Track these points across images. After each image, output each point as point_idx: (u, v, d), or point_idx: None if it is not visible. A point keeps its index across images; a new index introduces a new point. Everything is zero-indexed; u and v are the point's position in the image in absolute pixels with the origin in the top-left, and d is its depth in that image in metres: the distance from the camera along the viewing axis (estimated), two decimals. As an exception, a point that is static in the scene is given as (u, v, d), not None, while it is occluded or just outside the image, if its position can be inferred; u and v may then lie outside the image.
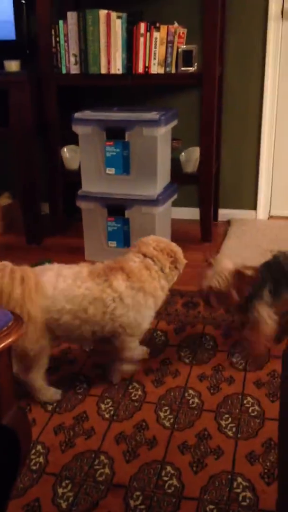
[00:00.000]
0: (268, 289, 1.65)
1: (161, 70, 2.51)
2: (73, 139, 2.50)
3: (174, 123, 2.50)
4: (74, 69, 2.58)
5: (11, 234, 2.94)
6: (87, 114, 2.38)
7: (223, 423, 1.49)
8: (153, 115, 2.29)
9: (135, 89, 2.81)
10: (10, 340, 0.89)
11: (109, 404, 1.58)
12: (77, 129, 2.38)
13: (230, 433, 1.46)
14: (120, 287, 1.54)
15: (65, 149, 2.76)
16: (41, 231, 2.80)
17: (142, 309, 1.58)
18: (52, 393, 1.61)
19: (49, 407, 1.58)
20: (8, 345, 0.89)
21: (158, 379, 1.69)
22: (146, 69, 2.51)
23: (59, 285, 1.51)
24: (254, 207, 2.99)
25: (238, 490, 1.27)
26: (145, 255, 1.62)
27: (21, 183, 2.69)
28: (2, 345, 0.88)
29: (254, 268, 1.63)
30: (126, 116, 2.31)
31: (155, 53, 2.48)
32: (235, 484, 1.29)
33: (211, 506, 1.23)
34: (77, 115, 2.38)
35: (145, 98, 2.86)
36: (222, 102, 2.77)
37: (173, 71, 2.50)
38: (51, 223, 2.87)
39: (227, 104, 2.80)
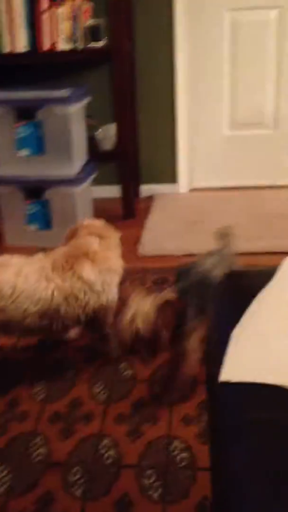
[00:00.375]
0: (194, 310, 1.40)
1: (68, 47, 2.45)
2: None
3: (87, 100, 2.47)
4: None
5: None
6: (-5, 94, 2.30)
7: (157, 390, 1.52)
8: (63, 92, 2.25)
9: (44, 67, 2.73)
10: None
11: (42, 386, 1.57)
12: (-15, 110, 2.29)
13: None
14: (90, 276, 1.50)
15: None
16: None
17: (112, 289, 1.57)
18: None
19: (-20, 397, 1.54)
20: None
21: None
22: (54, 46, 2.44)
23: (20, 285, 1.43)
24: (175, 180, 3.03)
25: (176, 452, 1.30)
26: (100, 237, 1.59)
27: None
28: None
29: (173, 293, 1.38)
30: (36, 95, 2.25)
31: (61, 29, 2.42)
32: (172, 447, 1.32)
33: (149, 471, 1.26)
34: (-16, 96, 2.29)
35: (55, 76, 2.79)
36: (134, 77, 2.77)
37: (81, 47, 2.46)
38: None
39: (140, 79, 2.79)
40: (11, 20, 2.40)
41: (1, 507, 1.19)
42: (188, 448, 1.31)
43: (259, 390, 0.82)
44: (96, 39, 2.47)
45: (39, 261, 1.51)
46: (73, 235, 1.63)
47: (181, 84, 2.81)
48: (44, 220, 2.41)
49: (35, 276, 1.46)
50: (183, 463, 1.27)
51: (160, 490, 1.21)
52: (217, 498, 0.78)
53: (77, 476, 1.26)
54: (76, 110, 2.31)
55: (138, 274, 2.13)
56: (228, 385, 0.85)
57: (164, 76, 2.81)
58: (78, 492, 1.22)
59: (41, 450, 1.34)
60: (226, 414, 0.84)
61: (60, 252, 1.55)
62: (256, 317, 1.00)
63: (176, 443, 1.33)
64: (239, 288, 1.14)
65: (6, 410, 1.48)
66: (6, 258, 1.51)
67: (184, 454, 1.30)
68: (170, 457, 1.29)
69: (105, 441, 1.36)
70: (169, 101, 2.86)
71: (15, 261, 1.50)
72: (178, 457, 1.29)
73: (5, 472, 1.28)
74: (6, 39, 2.43)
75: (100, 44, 2.47)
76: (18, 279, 1.44)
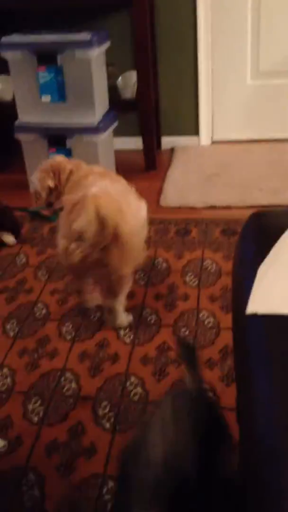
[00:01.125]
0: None
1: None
2: (2, 68, 2.37)
3: (107, 45, 2.40)
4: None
5: None
6: (15, 37, 2.24)
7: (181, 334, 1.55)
8: (84, 35, 2.19)
9: (64, 12, 2.66)
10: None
11: (70, 327, 1.61)
12: (6, 55, 2.25)
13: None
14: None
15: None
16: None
17: None
18: (128, 317, 1.61)
19: (11, 333, 1.59)
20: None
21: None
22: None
23: (126, 205, 1.44)
24: (196, 133, 2.99)
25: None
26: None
27: None
28: None
29: None
30: (56, 38, 2.19)
31: None
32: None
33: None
34: (4, 39, 2.23)
35: (76, 21, 2.72)
36: (154, 22, 2.68)
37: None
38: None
39: (160, 25, 2.71)
40: None
41: (35, 434, 1.25)
42: (212, 390, 1.35)
43: (286, 321, 0.84)
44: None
45: (106, 181, 1.52)
46: (58, 170, 1.67)
47: (202, 31, 2.71)
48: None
49: (120, 194, 1.48)
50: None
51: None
52: (244, 435, 0.78)
53: (106, 410, 1.30)
54: (97, 55, 2.26)
55: (160, 224, 2.14)
56: (255, 317, 0.87)
57: (185, 24, 2.71)
58: (108, 425, 1.26)
59: (71, 385, 1.39)
60: (253, 346, 0.85)
61: (97, 173, 1.59)
62: (282, 253, 1.00)
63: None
64: (264, 227, 1.14)
65: (36, 348, 1.53)
66: (101, 186, 1.46)
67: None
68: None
69: (132, 379, 1.40)
70: (190, 49, 2.77)
71: (94, 185, 1.47)
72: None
73: (38, 403, 1.33)
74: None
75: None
76: (123, 199, 1.45)
